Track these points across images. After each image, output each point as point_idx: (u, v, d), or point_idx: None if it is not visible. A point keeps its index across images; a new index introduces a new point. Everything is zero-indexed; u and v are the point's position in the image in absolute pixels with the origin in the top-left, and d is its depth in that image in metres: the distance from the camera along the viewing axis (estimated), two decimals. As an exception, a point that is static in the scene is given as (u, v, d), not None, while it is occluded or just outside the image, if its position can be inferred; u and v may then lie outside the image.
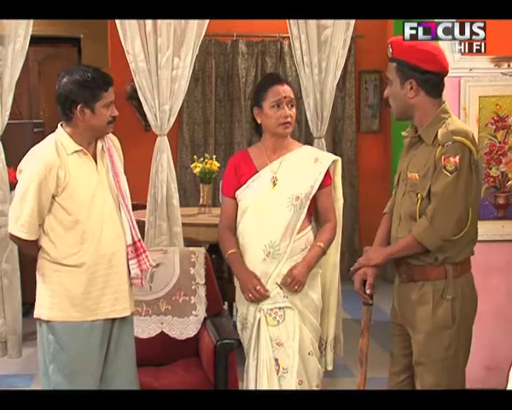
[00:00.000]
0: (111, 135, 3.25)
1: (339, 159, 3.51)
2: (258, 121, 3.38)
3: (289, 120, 3.31)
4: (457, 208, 2.88)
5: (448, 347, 2.94)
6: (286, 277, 3.28)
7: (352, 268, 3.12)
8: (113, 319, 3.13)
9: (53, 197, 3.03)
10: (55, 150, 3.04)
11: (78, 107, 3.02)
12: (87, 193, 3.05)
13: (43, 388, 3.14)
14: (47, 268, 3.10)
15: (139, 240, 3.17)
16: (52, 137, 3.11)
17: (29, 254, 3.18)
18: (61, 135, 3.10)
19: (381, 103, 7.81)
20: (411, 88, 2.95)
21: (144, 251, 3.17)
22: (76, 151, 3.07)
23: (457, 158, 2.84)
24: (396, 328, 3.15)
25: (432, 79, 2.95)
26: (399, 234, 3.03)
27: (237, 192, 3.37)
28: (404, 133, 3.16)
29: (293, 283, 3.27)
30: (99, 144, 3.14)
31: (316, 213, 3.44)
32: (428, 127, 2.96)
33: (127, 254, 3.13)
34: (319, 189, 3.35)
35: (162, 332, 3.82)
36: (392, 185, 3.25)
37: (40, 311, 3.11)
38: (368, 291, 3.07)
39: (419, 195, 2.94)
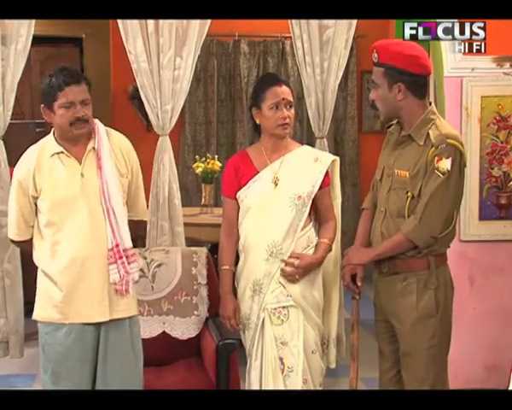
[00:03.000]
0: (114, 134, 3.22)
1: (337, 158, 3.52)
2: (257, 122, 3.39)
3: (288, 121, 3.32)
4: (446, 208, 2.99)
5: (433, 335, 3.03)
6: (292, 256, 3.28)
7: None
8: (99, 324, 3.09)
9: (35, 199, 3.07)
10: (37, 153, 3.09)
11: (41, 107, 3.08)
12: (64, 195, 3.04)
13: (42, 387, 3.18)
14: (38, 270, 3.15)
15: (117, 245, 3.07)
16: (42, 140, 3.16)
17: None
18: (48, 137, 3.14)
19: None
20: (399, 91, 3.03)
21: (121, 257, 3.07)
22: (57, 153, 3.07)
23: (450, 160, 2.93)
24: (381, 325, 3.22)
25: (418, 81, 3.03)
26: (384, 229, 3.10)
27: (238, 193, 3.37)
28: (390, 130, 3.23)
29: (297, 268, 3.27)
30: (89, 145, 3.10)
31: (315, 212, 3.45)
32: (418, 128, 3.03)
33: (108, 258, 3.07)
34: (319, 189, 3.36)
35: (164, 332, 3.82)
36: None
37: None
38: (358, 284, 3.16)
39: (409, 193, 3.01)
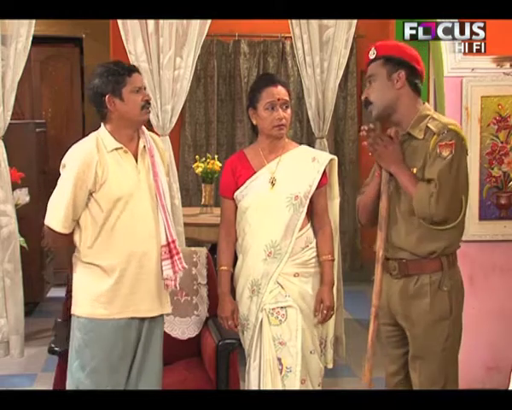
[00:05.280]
0: (154, 136, 3.28)
1: (335, 158, 3.52)
2: (254, 122, 3.39)
3: (283, 122, 3.31)
4: (449, 191, 2.90)
5: (446, 338, 3.00)
6: (317, 305, 3.33)
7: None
8: (143, 319, 3.13)
9: (90, 194, 3.05)
10: (96, 146, 3.07)
11: (107, 97, 3.06)
12: (124, 191, 3.05)
13: (68, 385, 3.14)
14: (77, 265, 3.13)
15: (173, 241, 3.14)
16: (94, 134, 3.15)
17: (58, 249, 3.21)
18: (102, 132, 3.13)
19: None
20: (398, 80, 3.00)
21: (178, 253, 3.16)
22: (116, 149, 3.09)
23: (452, 143, 2.90)
24: (387, 329, 3.15)
25: (415, 76, 3.02)
26: (393, 232, 3.04)
27: (236, 193, 3.37)
28: None
29: (328, 310, 3.33)
30: (141, 144, 3.15)
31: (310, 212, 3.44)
32: (416, 123, 3.01)
33: (161, 254, 3.12)
34: (316, 188, 3.35)
35: (164, 332, 3.81)
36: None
37: (73, 307, 3.15)
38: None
39: None
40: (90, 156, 3.05)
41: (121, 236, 3.06)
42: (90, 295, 3.09)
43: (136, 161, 3.13)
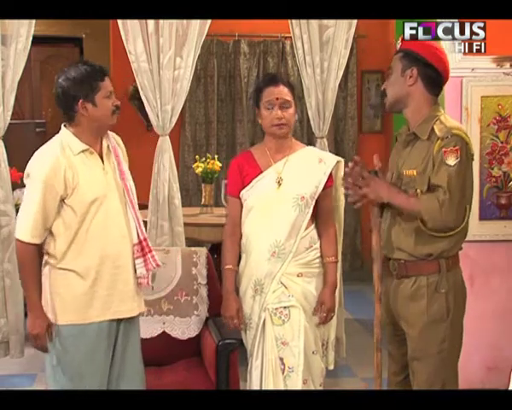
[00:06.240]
0: (115, 135, 3.25)
1: (342, 160, 3.53)
2: (259, 121, 3.41)
3: (283, 121, 3.32)
4: (457, 197, 2.90)
5: (443, 340, 2.99)
6: (318, 306, 3.35)
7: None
8: (119, 320, 3.11)
9: (62, 200, 3.00)
10: (62, 151, 3.02)
11: (80, 102, 3.02)
12: (96, 193, 3.03)
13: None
14: (52, 272, 3.07)
15: (145, 239, 3.15)
16: (57, 138, 3.08)
17: (25, 266, 3.07)
18: (66, 135, 3.07)
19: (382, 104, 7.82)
20: (411, 76, 3.01)
21: (150, 250, 3.15)
22: (83, 151, 3.05)
23: (457, 149, 2.90)
24: (390, 328, 3.17)
25: (432, 74, 3.02)
26: (393, 234, 3.06)
27: (242, 192, 3.38)
28: (399, 131, 3.21)
29: (328, 312, 3.36)
30: (104, 143, 3.13)
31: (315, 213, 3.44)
32: (423, 124, 3.01)
33: (133, 253, 3.12)
34: (322, 190, 3.36)
35: (164, 332, 3.82)
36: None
37: (48, 314, 3.06)
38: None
39: (418, 190, 2.96)
40: (57, 162, 2.99)
41: (95, 238, 3.03)
42: (67, 300, 3.04)
43: (103, 161, 3.11)
